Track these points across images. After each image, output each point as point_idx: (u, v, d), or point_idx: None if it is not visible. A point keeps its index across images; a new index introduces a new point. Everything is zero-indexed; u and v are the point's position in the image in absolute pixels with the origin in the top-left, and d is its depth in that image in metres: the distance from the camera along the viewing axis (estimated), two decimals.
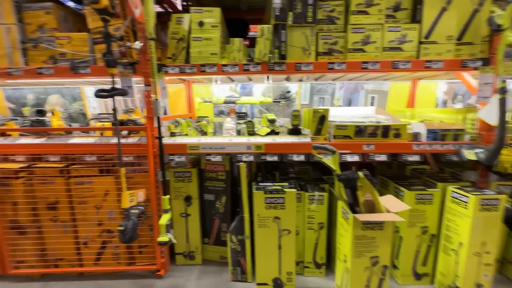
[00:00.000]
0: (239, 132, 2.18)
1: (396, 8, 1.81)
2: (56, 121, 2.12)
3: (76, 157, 1.95)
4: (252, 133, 2.05)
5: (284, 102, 2.25)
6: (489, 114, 1.71)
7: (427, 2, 1.71)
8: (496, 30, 1.60)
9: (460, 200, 1.72)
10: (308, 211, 1.94)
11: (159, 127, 1.74)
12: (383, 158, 1.88)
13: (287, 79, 2.70)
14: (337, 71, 1.80)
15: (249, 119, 2.05)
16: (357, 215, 1.44)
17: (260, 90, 2.89)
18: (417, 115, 2.49)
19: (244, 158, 1.91)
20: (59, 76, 1.84)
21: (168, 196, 1.80)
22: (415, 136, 1.89)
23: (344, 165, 2.37)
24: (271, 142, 1.91)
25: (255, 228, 1.79)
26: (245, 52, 1.98)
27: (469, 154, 1.74)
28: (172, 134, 2.08)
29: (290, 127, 2.01)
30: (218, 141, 1.93)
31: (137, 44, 1.73)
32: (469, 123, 1.86)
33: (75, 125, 2.53)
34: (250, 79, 2.59)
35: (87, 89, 2.95)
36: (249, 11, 2.70)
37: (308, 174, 2.55)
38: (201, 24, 1.80)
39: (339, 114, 2.35)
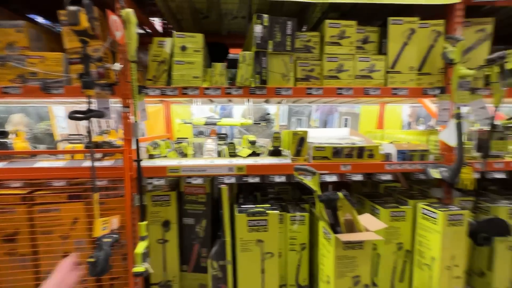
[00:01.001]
0: (219, 154, 2.17)
1: (365, 41, 2.00)
2: (20, 143, 1.96)
3: (43, 182, 1.80)
4: (233, 154, 2.05)
5: (265, 124, 2.30)
6: (449, 136, 1.90)
7: (390, 37, 1.92)
8: (449, 63, 1.82)
9: (429, 216, 1.84)
10: (290, 232, 1.94)
11: (137, 149, 1.69)
12: (359, 178, 1.97)
13: (267, 102, 2.78)
14: (315, 96, 1.91)
15: (230, 140, 2.07)
16: (338, 235, 1.47)
17: (240, 111, 2.94)
18: (386, 136, 2.68)
19: (226, 180, 1.90)
20: (28, 96, 1.73)
21: (145, 222, 1.71)
22: (387, 156, 2.02)
23: (323, 185, 2.44)
24: (253, 163, 1.93)
25: (237, 252, 1.75)
26: (226, 75, 2.03)
27: (434, 173, 1.89)
28: (151, 157, 2.01)
29: (271, 148, 2.05)
30: (199, 163, 1.91)
31: (117, 66, 1.71)
32: (432, 144, 2.05)
33: (41, 147, 2.35)
34: (230, 101, 2.64)
35: (56, 108, 2.78)
36: (229, 35, 2.80)
37: (288, 194, 2.58)
38: (183, 48, 1.83)
39: (316, 135, 2.45)
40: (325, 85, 1.93)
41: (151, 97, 1.86)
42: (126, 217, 1.79)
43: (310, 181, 1.65)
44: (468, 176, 1.87)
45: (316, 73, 1.96)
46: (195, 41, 1.84)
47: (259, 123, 2.29)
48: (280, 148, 2.06)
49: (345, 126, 3.00)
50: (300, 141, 1.98)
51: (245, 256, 1.73)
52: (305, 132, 1.98)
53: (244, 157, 2.03)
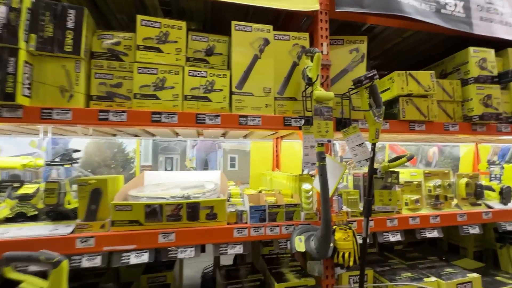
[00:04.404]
0: None
1: (209, 52, 1.44)
2: None
3: None
4: None
5: (69, 165, 1.52)
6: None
7: (235, 47, 1.39)
8: (308, 84, 1.32)
9: None
10: None
11: None
12: (189, 253, 1.23)
13: (115, 134, 2.03)
14: (115, 124, 1.21)
15: None
16: None
17: (83, 145, 2.12)
18: (274, 181, 2.08)
19: None
20: None
21: None
22: (239, 216, 1.35)
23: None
24: None
25: None
26: None
27: (299, 244, 1.25)
28: None
29: (41, 207, 1.24)
30: None
31: None
32: (304, 195, 1.45)
33: None
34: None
35: None
36: None
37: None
38: None
39: (165, 181, 1.72)
40: (136, 107, 1.27)
41: None
42: None
43: (37, 283, 0.85)
44: (347, 244, 1.27)
45: (126, 90, 1.30)
46: None
47: (61, 164, 1.51)
48: (67, 207, 1.26)
49: (232, 166, 2.36)
50: (94, 195, 1.21)
51: None
52: (103, 181, 1.23)
53: None
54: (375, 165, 1.37)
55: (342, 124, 1.43)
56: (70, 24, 1.19)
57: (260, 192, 1.63)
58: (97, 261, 1.14)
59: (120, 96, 1.29)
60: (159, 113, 1.25)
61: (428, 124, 1.62)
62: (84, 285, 1.50)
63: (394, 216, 1.52)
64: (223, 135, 2.21)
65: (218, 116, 1.32)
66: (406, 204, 1.63)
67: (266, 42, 1.43)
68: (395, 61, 2.37)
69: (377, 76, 1.33)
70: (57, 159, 1.50)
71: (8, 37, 1.08)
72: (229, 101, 1.37)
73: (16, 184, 1.53)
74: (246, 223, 1.34)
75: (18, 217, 1.23)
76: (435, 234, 1.57)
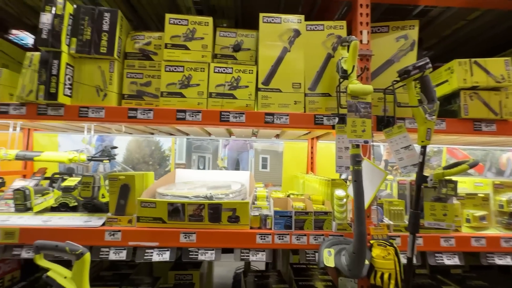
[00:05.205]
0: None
1: (236, 48, 1.39)
2: None
3: None
4: (22, 208, 1.32)
5: (107, 161, 1.62)
6: None
7: (263, 41, 1.31)
8: (342, 76, 1.17)
9: None
10: None
11: None
12: (209, 256, 1.19)
13: (152, 132, 2.13)
14: (142, 122, 1.24)
15: (25, 188, 1.35)
16: None
17: (125, 142, 2.27)
18: (306, 184, 1.94)
19: None
20: None
21: None
22: (263, 220, 1.26)
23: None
24: (39, 225, 1.19)
25: None
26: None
27: (328, 258, 1.11)
28: None
29: (80, 199, 1.32)
30: None
31: None
32: (336, 203, 1.29)
33: None
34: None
35: None
36: None
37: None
38: None
39: (195, 180, 1.73)
40: (161, 105, 1.28)
41: None
42: None
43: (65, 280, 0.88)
44: (387, 264, 1.08)
45: (154, 88, 1.32)
46: None
47: (100, 160, 1.61)
48: (101, 200, 1.33)
49: (264, 167, 2.28)
50: (123, 191, 1.26)
51: None
52: (131, 177, 1.26)
53: (34, 212, 1.30)
54: (427, 172, 1.15)
55: (384, 123, 1.23)
56: (105, 26, 1.25)
57: (288, 196, 1.52)
58: (123, 255, 1.18)
59: (148, 95, 1.32)
60: (184, 111, 1.24)
61: (500, 124, 1.31)
62: (117, 274, 1.58)
63: (450, 234, 1.26)
64: (254, 134, 2.15)
65: (243, 114, 1.25)
66: (468, 220, 1.35)
67: (297, 33, 1.32)
68: (455, 51, 2.01)
69: (430, 65, 1.11)
70: (97, 155, 1.61)
71: (53, 41, 1.17)
72: (255, 98, 1.30)
73: (66, 177, 1.70)
74: (270, 229, 1.24)
75: (61, 207, 1.34)
76: (508, 261, 1.26)
